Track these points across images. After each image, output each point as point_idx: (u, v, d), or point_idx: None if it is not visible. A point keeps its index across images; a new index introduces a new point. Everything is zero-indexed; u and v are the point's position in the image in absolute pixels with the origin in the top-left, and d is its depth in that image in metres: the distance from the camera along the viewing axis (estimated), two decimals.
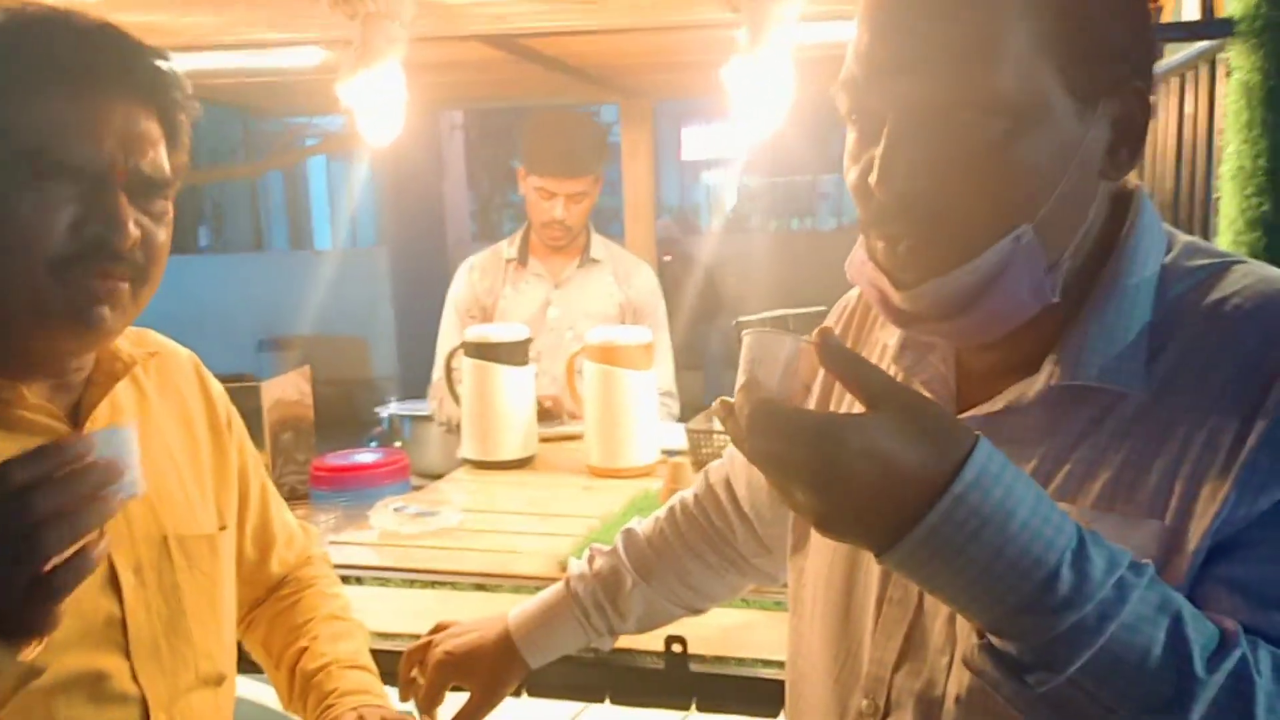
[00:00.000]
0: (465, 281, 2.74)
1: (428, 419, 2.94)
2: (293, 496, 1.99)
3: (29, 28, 0.88)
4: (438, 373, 2.72)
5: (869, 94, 0.72)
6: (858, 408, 0.64)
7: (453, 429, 2.64)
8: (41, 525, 0.70)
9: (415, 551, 1.69)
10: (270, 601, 1.22)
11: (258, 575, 1.20)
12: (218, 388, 1.15)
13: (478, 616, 1.21)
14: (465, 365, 2.27)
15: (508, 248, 2.76)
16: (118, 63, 0.90)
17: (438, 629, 1.22)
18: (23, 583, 0.70)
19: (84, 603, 0.90)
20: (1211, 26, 1.54)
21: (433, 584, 1.57)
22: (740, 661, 1.28)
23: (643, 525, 1.22)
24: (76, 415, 0.96)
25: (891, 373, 0.86)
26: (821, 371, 0.97)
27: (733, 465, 1.18)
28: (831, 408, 0.94)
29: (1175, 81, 1.74)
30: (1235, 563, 0.65)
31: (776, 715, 1.23)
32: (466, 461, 2.29)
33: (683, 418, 2.56)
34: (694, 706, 1.25)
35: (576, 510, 1.91)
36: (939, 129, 0.69)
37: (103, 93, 0.88)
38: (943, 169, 0.69)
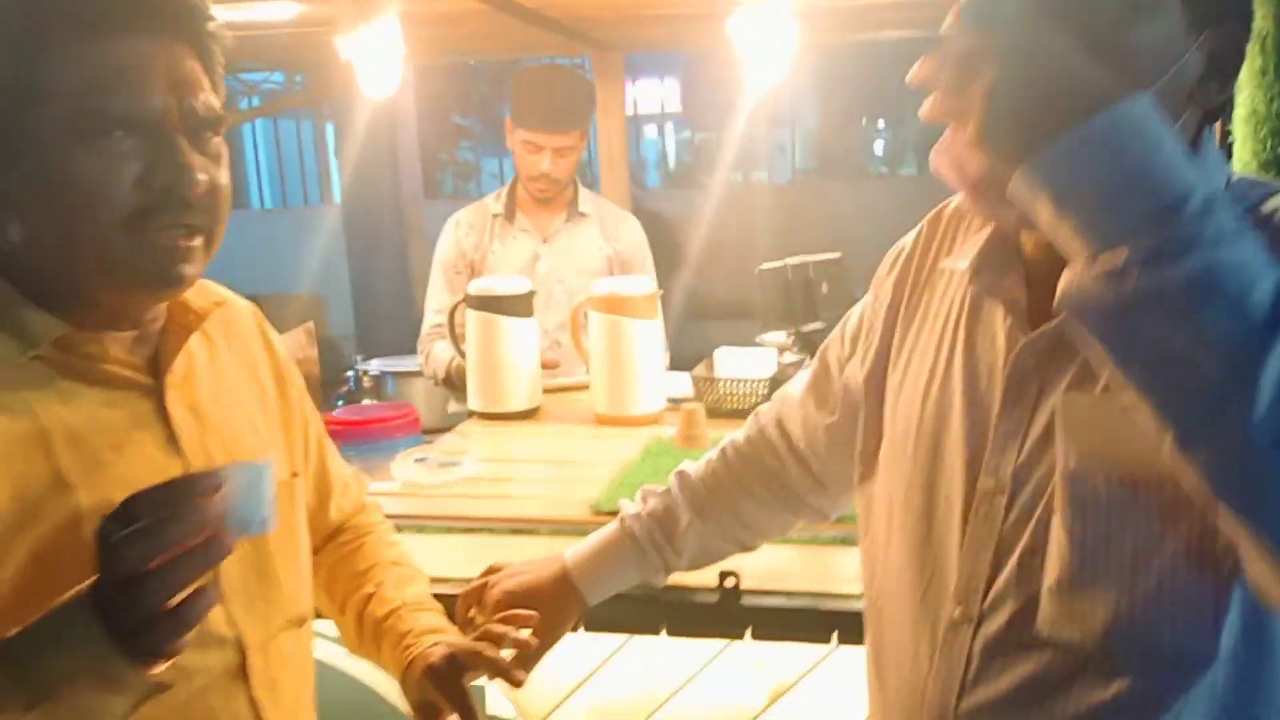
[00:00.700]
0: (452, 238, 2.72)
1: (411, 374, 2.93)
2: None
3: None
4: (426, 327, 2.71)
5: None
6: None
7: (440, 382, 2.64)
8: (168, 565, 0.71)
9: (446, 500, 1.71)
10: (330, 548, 1.23)
11: (317, 522, 1.20)
12: (276, 336, 1.15)
13: (524, 559, 1.24)
14: (470, 318, 2.27)
15: (494, 203, 2.74)
16: (149, 0, 0.86)
17: (490, 570, 1.24)
18: (149, 615, 0.71)
19: None
20: None
21: (468, 530, 1.59)
22: (790, 594, 1.33)
23: (694, 467, 1.25)
24: (155, 367, 0.95)
25: (967, 293, 0.93)
26: (892, 277, 1.02)
27: (784, 406, 1.22)
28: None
29: None
30: None
31: (826, 641, 1.29)
32: (474, 413, 2.31)
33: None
34: (749, 635, 1.29)
35: (591, 458, 1.94)
36: None
37: (144, 34, 0.84)
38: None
